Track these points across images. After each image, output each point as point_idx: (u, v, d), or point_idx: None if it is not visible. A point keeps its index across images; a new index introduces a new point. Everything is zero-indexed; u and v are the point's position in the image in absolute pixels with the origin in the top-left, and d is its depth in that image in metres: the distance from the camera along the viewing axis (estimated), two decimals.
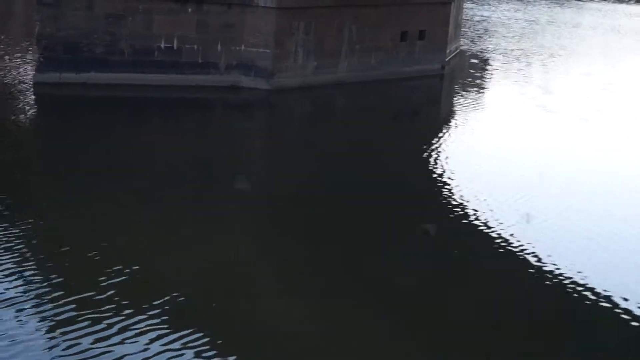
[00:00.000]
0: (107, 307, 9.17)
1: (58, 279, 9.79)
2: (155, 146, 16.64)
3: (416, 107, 24.03)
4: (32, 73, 20.92)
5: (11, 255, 10.30)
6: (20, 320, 8.79)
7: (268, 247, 11.84)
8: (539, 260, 11.69)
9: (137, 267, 10.30)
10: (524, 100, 23.96)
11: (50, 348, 8.32)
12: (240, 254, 11.32)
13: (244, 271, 10.78)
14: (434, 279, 11.10)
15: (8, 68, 22.15)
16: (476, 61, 30.59)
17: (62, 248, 10.74)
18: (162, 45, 20.99)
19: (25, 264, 10.12)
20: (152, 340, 8.60)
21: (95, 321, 8.84)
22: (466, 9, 40.72)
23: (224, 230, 12.14)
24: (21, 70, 21.89)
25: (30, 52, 23.45)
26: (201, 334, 8.78)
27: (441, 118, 22.29)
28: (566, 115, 22.22)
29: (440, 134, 19.20)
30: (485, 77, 27.83)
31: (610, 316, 10.36)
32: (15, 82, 20.64)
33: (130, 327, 8.80)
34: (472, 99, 24.31)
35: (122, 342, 8.51)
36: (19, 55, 23.88)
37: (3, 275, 9.75)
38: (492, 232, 12.71)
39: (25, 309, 9.03)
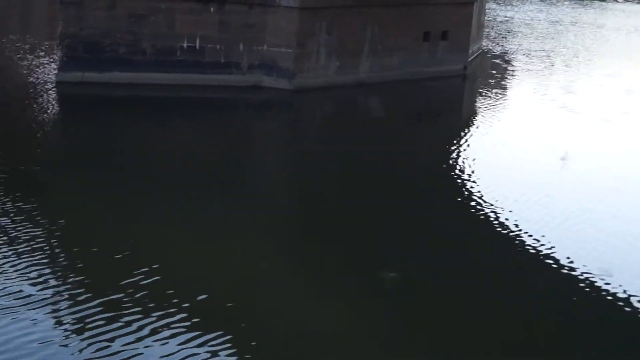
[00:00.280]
0: (136, 308, 9.17)
1: (86, 280, 9.79)
2: (177, 145, 16.65)
3: (438, 107, 23.91)
4: (54, 72, 21.02)
5: (41, 256, 10.33)
6: (50, 322, 8.80)
7: (285, 247, 11.86)
8: (555, 260, 11.63)
9: (161, 267, 10.31)
10: (546, 101, 23.78)
11: (81, 350, 8.31)
12: (262, 255, 11.28)
13: (266, 272, 10.75)
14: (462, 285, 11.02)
15: (31, 67, 22.29)
16: (498, 62, 30.44)
17: (88, 248, 10.74)
18: (185, 45, 21.04)
19: (52, 265, 10.13)
20: (182, 343, 8.58)
21: (126, 323, 8.84)
22: (489, 9, 40.59)
23: (246, 229, 12.13)
24: (44, 69, 22.00)
25: (53, 51, 23.56)
26: (229, 337, 8.78)
27: (463, 119, 22.18)
28: (589, 117, 22.07)
29: (463, 135, 19.09)
30: (507, 78, 27.68)
31: (613, 316, 10.32)
32: (38, 81, 20.74)
33: (160, 329, 8.79)
34: (494, 99, 24.17)
35: (152, 345, 8.51)
36: (42, 54, 24.01)
37: (27, 276, 9.76)
38: (509, 232, 12.67)
39: (55, 310, 9.04)
